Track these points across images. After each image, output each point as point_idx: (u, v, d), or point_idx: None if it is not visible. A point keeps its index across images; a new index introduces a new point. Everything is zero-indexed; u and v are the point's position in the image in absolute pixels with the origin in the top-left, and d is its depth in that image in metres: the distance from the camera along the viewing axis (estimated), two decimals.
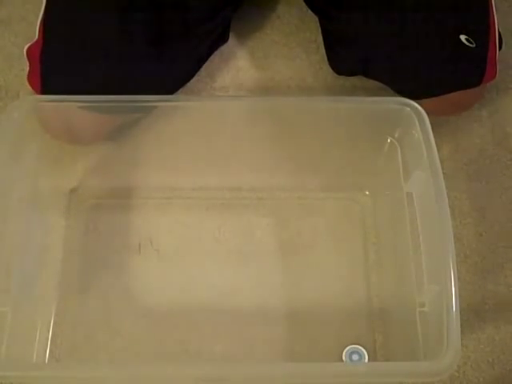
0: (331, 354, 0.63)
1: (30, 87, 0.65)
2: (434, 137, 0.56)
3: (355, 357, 0.62)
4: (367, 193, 0.71)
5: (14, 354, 0.55)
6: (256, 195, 0.71)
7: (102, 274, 0.66)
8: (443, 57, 0.64)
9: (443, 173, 0.54)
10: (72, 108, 0.60)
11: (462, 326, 0.47)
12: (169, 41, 0.65)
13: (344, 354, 0.63)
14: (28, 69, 0.65)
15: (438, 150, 0.55)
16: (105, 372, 0.48)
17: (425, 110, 0.57)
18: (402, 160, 0.61)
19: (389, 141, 0.62)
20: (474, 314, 0.66)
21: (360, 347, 0.63)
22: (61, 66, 0.63)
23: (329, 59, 0.75)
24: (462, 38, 0.64)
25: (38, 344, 0.62)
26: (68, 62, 0.62)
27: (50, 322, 0.64)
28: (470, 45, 0.64)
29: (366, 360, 0.62)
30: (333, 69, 0.75)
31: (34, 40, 0.64)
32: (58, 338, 0.63)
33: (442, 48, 0.64)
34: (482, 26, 0.65)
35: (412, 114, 0.57)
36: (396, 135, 0.61)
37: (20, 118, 0.58)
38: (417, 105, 0.58)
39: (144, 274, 0.67)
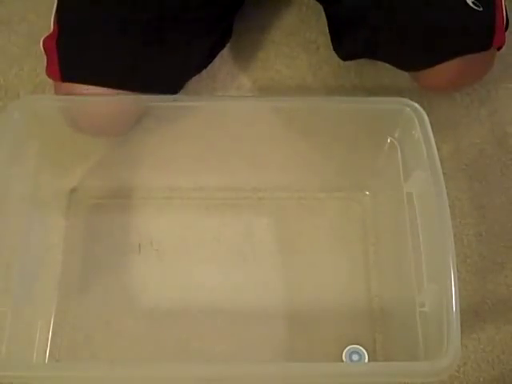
0: (331, 354, 0.63)
1: (49, 79, 0.65)
2: (434, 137, 0.56)
3: (355, 357, 0.62)
4: (367, 193, 0.71)
5: (14, 354, 0.55)
6: (256, 195, 0.71)
7: (102, 274, 0.66)
8: (452, 19, 0.64)
9: (443, 173, 0.54)
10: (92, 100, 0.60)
11: (462, 326, 0.47)
12: (174, 38, 0.65)
13: (344, 354, 0.63)
14: (46, 61, 0.65)
15: (438, 150, 0.55)
16: (105, 372, 0.48)
17: (426, 84, 0.56)
18: (401, 160, 0.60)
19: (389, 141, 0.62)
20: (473, 314, 0.66)
21: (360, 347, 0.63)
22: (77, 53, 0.63)
23: (334, 45, 0.75)
24: (469, 1, 0.64)
25: (37, 344, 0.62)
26: (84, 49, 0.62)
27: (50, 322, 0.64)
28: (477, 8, 0.64)
29: (366, 360, 0.62)
30: (338, 54, 0.75)
31: (49, 32, 0.65)
32: (58, 338, 0.63)
33: (449, 11, 0.64)
34: None
35: (412, 114, 0.57)
36: (396, 135, 0.61)
37: (20, 118, 0.58)
38: (417, 105, 0.58)
39: (144, 274, 0.67)
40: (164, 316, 0.64)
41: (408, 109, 0.58)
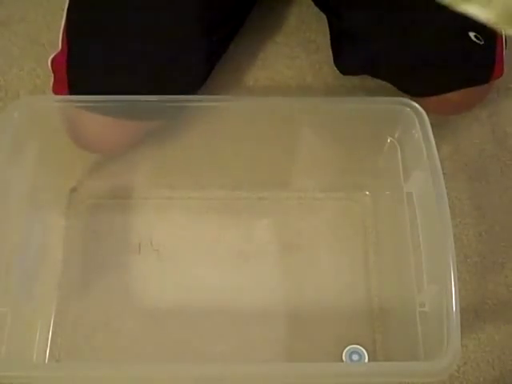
0: (331, 354, 0.63)
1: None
2: (434, 137, 0.56)
3: (355, 357, 0.62)
4: (367, 193, 0.71)
5: (14, 354, 0.55)
6: (256, 195, 0.71)
7: (102, 274, 0.66)
8: (453, 54, 0.64)
9: (443, 173, 0.54)
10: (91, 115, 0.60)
11: (462, 326, 0.47)
12: (187, 43, 0.65)
13: (344, 354, 0.63)
14: (53, 79, 0.65)
15: (438, 150, 0.55)
16: (105, 372, 0.48)
17: (427, 109, 0.57)
18: (402, 160, 0.61)
19: (389, 141, 0.62)
20: (473, 314, 0.66)
21: (360, 347, 0.63)
22: (88, 76, 0.62)
23: (335, 58, 0.74)
24: (471, 34, 0.64)
25: (38, 344, 0.62)
26: (95, 70, 0.62)
27: (50, 322, 0.64)
28: (479, 42, 0.64)
29: (366, 360, 0.62)
30: (338, 68, 0.74)
31: (58, 50, 0.64)
32: (58, 338, 0.63)
33: (451, 45, 0.64)
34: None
35: (412, 114, 0.57)
36: (396, 135, 0.61)
37: (20, 118, 0.58)
38: (417, 105, 0.58)
39: (144, 274, 0.67)
40: (164, 316, 0.64)
41: (408, 109, 0.58)
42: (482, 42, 0.64)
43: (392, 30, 0.66)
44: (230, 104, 0.63)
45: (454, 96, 0.66)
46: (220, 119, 0.62)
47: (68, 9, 0.65)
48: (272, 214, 0.70)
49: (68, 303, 0.65)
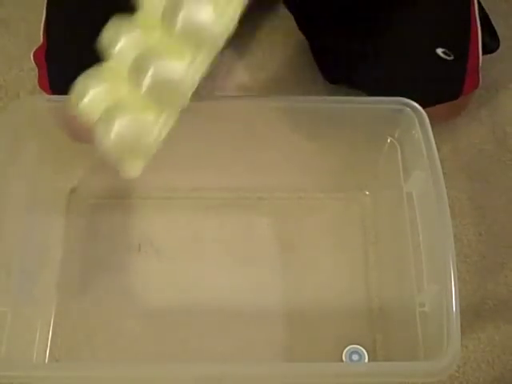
0: (331, 354, 0.63)
1: (40, 90, 0.65)
2: (434, 137, 0.56)
3: (355, 357, 0.62)
4: (367, 193, 0.71)
5: (14, 354, 0.55)
6: (256, 195, 0.71)
7: (101, 274, 0.66)
8: (420, 71, 0.64)
9: (443, 173, 0.54)
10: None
11: (462, 326, 0.47)
12: None
13: (344, 354, 0.63)
14: (37, 74, 0.65)
15: (438, 150, 0.55)
16: (105, 372, 0.48)
17: None
18: (401, 160, 0.61)
19: (389, 141, 0.62)
20: (473, 314, 0.66)
21: (360, 347, 0.63)
22: (66, 66, 0.63)
23: (319, 69, 0.75)
24: (439, 51, 0.64)
25: (37, 344, 0.62)
26: (72, 61, 0.62)
27: (50, 322, 0.64)
28: (448, 57, 0.64)
29: (366, 360, 0.62)
30: (324, 77, 0.75)
31: (39, 44, 0.64)
32: (58, 338, 0.63)
33: (419, 62, 0.64)
34: (461, 37, 0.65)
35: (412, 114, 0.57)
36: (396, 135, 0.61)
37: (20, 118, 0.58)
38: (417, 105, 0.58)
39: (144, 273, 0.67)
40: (164, 316, 0.64)
41: (408, 109, 0.58)
42: (451, 58, 0.64)
43: (362, 48, 0.66)
44: (230, 104, 0.63)
45: (428, 111, 0.66)
46: (220, 119, 0.62)
47: (48, 2, 0.65)
48: (272, 214, 0.70)
49: (68, 303, 0.65)
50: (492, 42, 0.69)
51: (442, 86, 0.65)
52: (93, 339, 0.64)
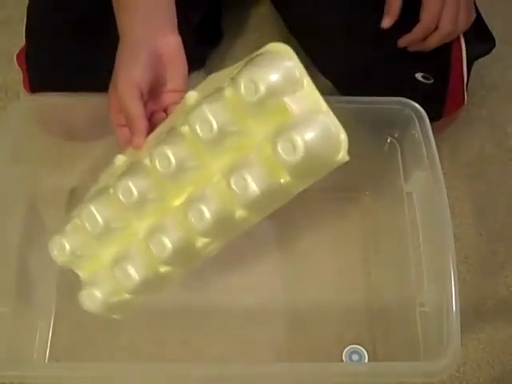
0: (331, 354, 0.63)
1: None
2: (434, 137, 0.56)
3: (355, 357, 0.62)
4: (367, 193, 0.71)
5: (13, 354, 0.55)
6: None
7: None
8: (401, 96, 0.64)
9: (443, 173, 0.54)
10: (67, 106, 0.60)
11: (461, 325, 0.47)
12: None
13: (344, 354, 0.63)
14: (21, 76, 0.66)
15: (438, 150, 0.55)
16: (105, 372, 0.48)
17: None
18: (401, 160, 0.60)
19: (389, 141, 0.62)
20: (473, 314, 0.66)
21: (360, 347, 0.63)
22: (44, 68, 0.63)
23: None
24: (418, 75, 0.64)
25: (38, 344, 0.62)
26: (49, 63, 0.63)
27: (50, 322, 0.64)
28: (427, 81, 0.64)
29: (366, 360, 0.62)
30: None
31: (22, 46, 0.65)
32: (58, 338, 0.63)
33: (399, 87, 0.64)
34: (440, 60, 0.65)
35: (412, 114, 0.57)
36: (396, 135, 0.61)
37: (20, 117, 0.58)
38: (417, 105, 0.58)
39: None
40: (164, 316, 0.64)
41: (408, 109, 0.58)
42: (431, 81, 0.64)
43: (341, 69, 0.66)
44: None
45: None
46: None
47: (28, 6, 0.65)
48: (272, 214, 0.70)
49: (68, 303, 0.65)
50: (485, 45, 0.68)
51: (423, 108, 0.65)
52: (93, 339, 0.64)
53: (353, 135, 0.64)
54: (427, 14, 0.61)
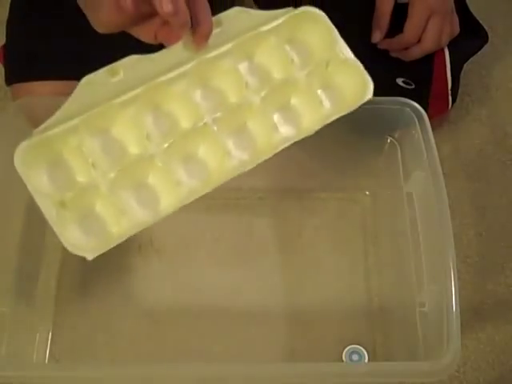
0: (331, 354, 0.63)
1: None
2: (434, 137, 0.56)
3: (355, 357, 0.62)
4: (367, 193, 0.71)
5: (13, 354, 0.55)
6: (256, 195, 0.71)
7: (101, 275, 0.66)
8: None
9: (443, 173, 0.54)
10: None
11: (462, 326, 0.47)
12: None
13: (344, 354, 0.63)
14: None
15: (438, 150, 0.55)
16: (105, 372, 0.48)
17: None
18: (401, 160, 0.61)
19: (389, 141, 0.62)
20: (473, 314, 0.66)
21: (360, 347, 0.63)
22: (17, 62, 0.64)
23: None
24: (399, 81, 0.64)
25: (38, 344, 0.62)
26: (22, 58, 0.63)
27: (50, 322, 0.64)
28: (408, 86, 0.64)
29: (366, 360, 0.62)
30: None
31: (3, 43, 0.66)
32: (58, 337, 0.63)
33: (380, 93, 0.64)
34: (423, 66, 0.65)
35: (412, 114, 0.57)
36: (396, 135, 0.61)
37: (20, 117, 0.58)
38: (417, 105, 0.58)
39: (144, 274, 0.67)
40: (164, 316, 0.64)
41: (408, 109, 0.58)
42: (413, 86, 0.64)
43: None
44: None
45: None
46: None
47: (10, 3, 0.66)
48: (272, 213, 0.70)
49: (68, 304, 0.65)
50: (476, 41, 0.68)
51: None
52: (93, 339, 0.64)
53: (353, 135, 0.64)
54: (410, 29, 0.61)
